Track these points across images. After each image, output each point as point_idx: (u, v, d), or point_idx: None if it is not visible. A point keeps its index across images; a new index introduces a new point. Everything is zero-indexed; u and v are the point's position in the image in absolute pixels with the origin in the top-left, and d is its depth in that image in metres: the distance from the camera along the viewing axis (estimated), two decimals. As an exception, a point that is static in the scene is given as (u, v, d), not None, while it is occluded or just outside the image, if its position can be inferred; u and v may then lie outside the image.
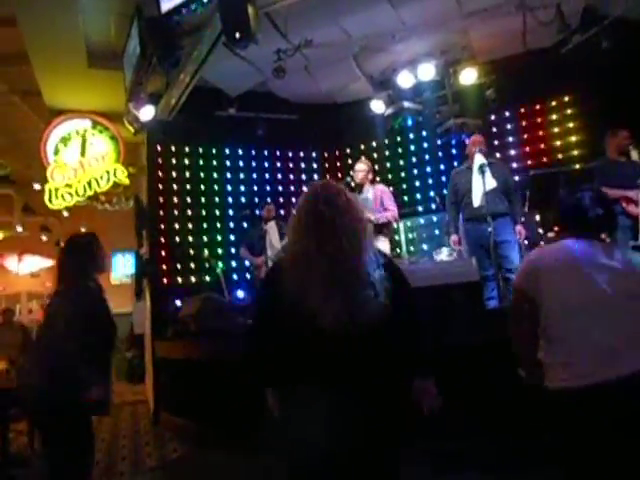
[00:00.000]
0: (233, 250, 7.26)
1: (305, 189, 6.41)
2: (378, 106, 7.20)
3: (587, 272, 1.85)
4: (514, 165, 7.03)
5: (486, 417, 3.42)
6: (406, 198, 7.65)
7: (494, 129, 7.24)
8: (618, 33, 5.57)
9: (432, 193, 7.34)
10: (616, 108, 5.65)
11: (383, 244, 5.11)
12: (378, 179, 7.54)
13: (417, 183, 7.76)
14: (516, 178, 6.92)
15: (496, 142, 7.10)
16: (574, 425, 1.71)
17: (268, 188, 7.90)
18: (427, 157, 7.78)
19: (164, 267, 6.77)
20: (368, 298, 1.57)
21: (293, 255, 1.72)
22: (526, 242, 5.13)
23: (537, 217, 6.52)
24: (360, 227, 1.70)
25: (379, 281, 1.61)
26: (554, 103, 6.99)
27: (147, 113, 6.22)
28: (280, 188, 8.00)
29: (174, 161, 7.27)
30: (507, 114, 7.27)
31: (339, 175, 7.98)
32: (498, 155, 6.99)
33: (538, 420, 3.30)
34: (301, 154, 8.26)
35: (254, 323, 1.81)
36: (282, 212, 7.38)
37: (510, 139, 7.23)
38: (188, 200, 7.24)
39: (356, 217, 1.71)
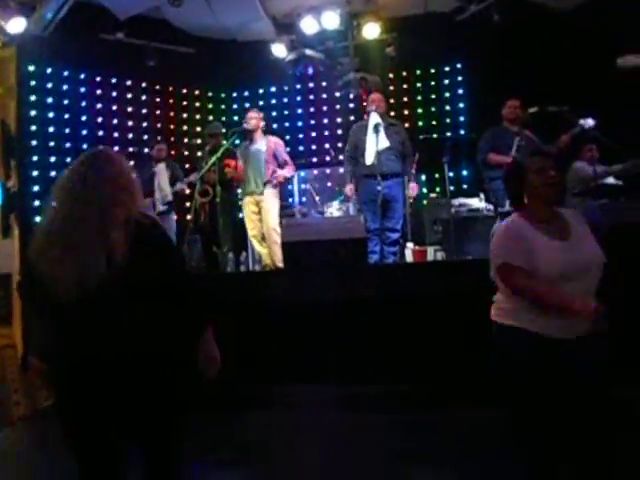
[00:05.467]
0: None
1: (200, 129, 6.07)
2: (280, 50, 7.00)
3: None
4: (406, 125, 7.32)
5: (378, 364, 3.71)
6: (301, 148, 7.65)
7: (391, 87, 7.41)
8: (508, 9, 5.90)
9: (327, 145, 7.40)
10: (500, 80, 6.06)
11: (273, 198, 5.15)
12: (275, 126, 7.48)
13: (313, 134, 7.77)
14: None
15: (392, 100, 7.28)
16: None
17: (159, 125, 7.43)
18: (325, 108, 7.79)
19: (36, 204, 6.18)
20: (99, 262, 1.58)
21: (41, 222, 1.76)
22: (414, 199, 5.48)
23: (423, 177, 6.94)
24: (109, 189, 1.70)
25: (120, 244, 1.61)
26: (447, 68, 7.31)
27: (16, 25, 5.45)
28: (171, 127, 7.55)
29: (50, 85, 6.50)
30: (404, 74, 7.47)
31: (235, 118, 7.73)
32: (392, 114, 7.22)
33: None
34: (196, 92, 7.81)
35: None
36: (172, 152, 7.02)
37: (405, 99, 7.47)
38: (67, 131, 6.58)
39: (108, 179, 1.72)
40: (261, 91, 7.93)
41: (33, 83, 6.36)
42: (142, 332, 1.64)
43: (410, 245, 5.48)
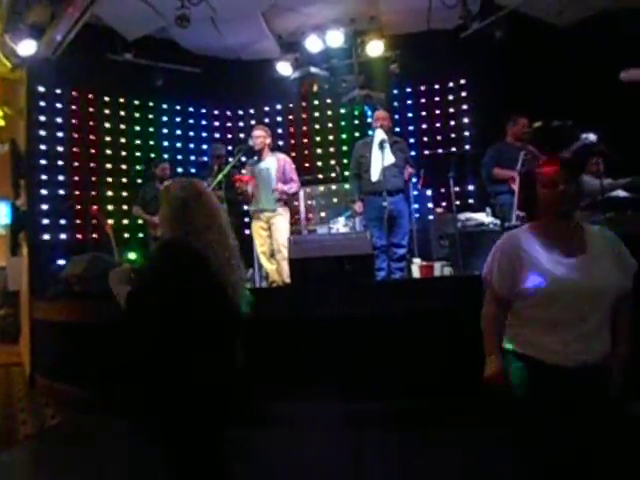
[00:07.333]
0: (125, 207, 6.85)
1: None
2: (285, 68, 7.09)
3: None
4: (411, 140, 7.37)
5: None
6: (307, 165, 7.70)
7: (395, 103, 7.47)
8: (511, 26, 5.95)
9: (332, 162, 7.45)
10: (504, 95, 6.10)
11: (284, 215, 5.16)
12: (281, 143, 7.54)
13: (319, 150, 7.83)
14: (413, 153, 7.32)
15: (397, 116, 7.34)
16: None
17: (166, 143, 7.50)
18: (330, 125, 7.86)
19: (45, 222, 6.23)
20: (240, 276, 2.14)
21: (209, 243, 2.05)
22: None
23: (429, 193, 6.96)
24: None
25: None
26: (451, 84, 7.37)
27: (27, 48, 5.55)
28: (178, 145, 7.63)
29: (59, 105, 6.60)
30: (408, 90, 7.53)
31: (241, 135, 7.80)
32: (397, 129, 7.27)
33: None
34: (202, 110, 7.90)
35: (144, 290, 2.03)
36: (180, 170, 7.09)
37: (410, 114, 7.53)
38: (75, 150, 6.65)
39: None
40: (267, 109, 8.02)
41: (43, 104, 6.46)
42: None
43: (417, 261, 5.47)
